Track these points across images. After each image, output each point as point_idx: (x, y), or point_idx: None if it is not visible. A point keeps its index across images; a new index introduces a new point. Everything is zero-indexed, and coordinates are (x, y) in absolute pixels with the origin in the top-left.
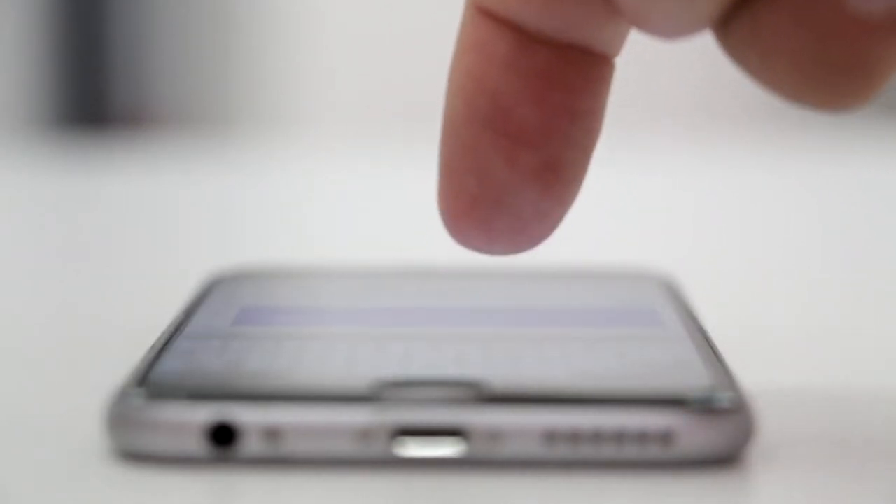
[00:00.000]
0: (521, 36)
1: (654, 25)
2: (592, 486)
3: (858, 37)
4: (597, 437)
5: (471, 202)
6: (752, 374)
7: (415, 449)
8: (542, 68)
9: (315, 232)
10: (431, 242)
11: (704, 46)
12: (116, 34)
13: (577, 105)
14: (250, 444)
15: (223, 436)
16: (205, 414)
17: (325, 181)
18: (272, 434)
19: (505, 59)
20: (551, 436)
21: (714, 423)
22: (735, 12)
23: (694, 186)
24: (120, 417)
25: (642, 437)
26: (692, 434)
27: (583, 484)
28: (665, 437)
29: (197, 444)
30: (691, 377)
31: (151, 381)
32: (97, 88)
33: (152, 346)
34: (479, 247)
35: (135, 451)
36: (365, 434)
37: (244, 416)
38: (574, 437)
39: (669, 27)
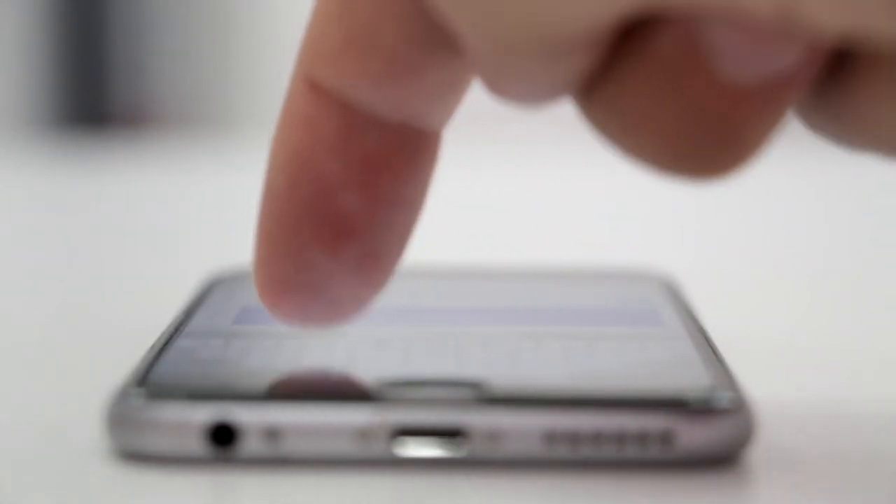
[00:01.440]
0: (350, 116)
1: (507, 90)
2: (592, 486)
3: (731, 106)
4: (597, 437)
5: (288, 285)
6: (752, 374)
7: (415, 449)
8: (370, 153)
9: None
10: (431, 242)
11: None
12: (116, 34)
13: (403, 192)
14: (250, 444)
15: (223, 436)
16: (205, 414)
17: None
18: (272, 434)
19: (332, 141)
20: (551, 436)
21: (714, 423)
22: (597, 80)
23: (694, 186)
24: (120, 417)
25: (642, 437)
26: (692, 434)
27: (583, 484)
28: (665, 437)
29: (197, 444)
30: (691, 377)
31: (151, 381)
32: (97, 88)
33: (152, 346)
34: (293, 323)
35: (135, 451)
36: (365, 434)
37: (244, 416)
38: (574, 437)
39: (524, 92)
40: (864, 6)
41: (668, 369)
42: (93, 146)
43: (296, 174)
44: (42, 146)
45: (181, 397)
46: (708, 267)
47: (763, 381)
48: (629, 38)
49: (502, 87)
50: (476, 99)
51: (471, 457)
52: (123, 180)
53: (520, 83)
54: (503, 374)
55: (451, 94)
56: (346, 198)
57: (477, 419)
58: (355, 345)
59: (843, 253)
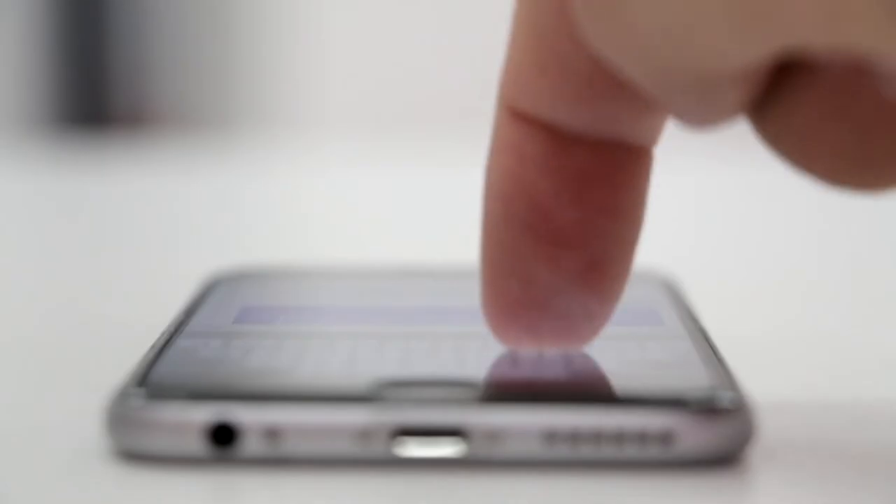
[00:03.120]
0: (556, 135)
1: (683, 117)
2: (592, 486)
3: None
4: (597, 437)
5: (515, 306)
6: (752, 374)
7: (415, 449)
8: (578, 167)
9: (315, 232)
10: (432, 242)
11: None
12: (116, 34)
13: (617, 202)
14: (250, 444)
15: (223, 436)
16: (205, 414)
17: (326, 181)
18: (272, 434)
19: (540, 160)
20: (551, 436)
21: (714, 423)
22: (768, 99)
23: (695, 186)
24: (120, 417)
25: (642, 437)
26: (692, 434)
27: (583, 484)
28: (665, 437)
29: (197, 444)
30: (691, 377)
31: (151, 381)
32: (97, 88)
33: (152, 346)
34: (527, 347)
35: (135, 451)
36: (365, 434)
37: (244, 416)
38: (574, 437)
39: (698, 118)
40: None
41: (668, 369)
42: (93, 146)
43: (510, 196)
44: (42, 146)
45: (181, 397)
46: (708, 267)
47: (763, 381)
48: (796, 62)
49: (675, 112)
50: (476, 99)
51: (471, 457)
52: (123, 180)
53: (689, 111)
54: (503, 374)
55: (648, 113)
56: (561, 212)
57: (477, 419)
58: (355, 345)
59: (843, 253)
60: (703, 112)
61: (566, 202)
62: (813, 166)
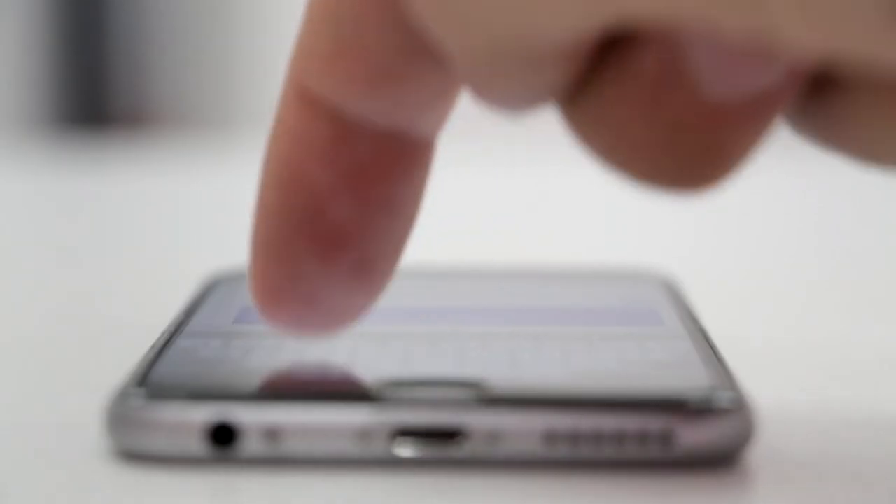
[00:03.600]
0: (341, 125)
1: (493, 99)
2: (592, 486)
3: (712, 123)
4: (597, 437)
5: (283, 294)
6: (752, 374)
7: (415, 449)
8: (361, 161)
9: None
10: (431, 242)
11: None
12: (116, 34)
13: (396, 199)
14: (250, 444)
15: (223, 436)
16: (205, 414)
17: None
18: (272, 434)
19: (322, 150)
20: (551, 436)
21: (714, 423)
22: (580, 90)
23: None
24: (120, 417)
25: (642, 437)
26: (692, 434)
27: (583, 484)
28: (665, 437)
29: (197, 444)
30: (691, 377)
31: (151, 381)
32: (97, 88)
33: (152, 346)
34: (290, 332)
35: (135, 451)
36: (365, 434)
37: (244, 416)
38: (574, 437)
39: (508, 101)
40: (844, 28)
41: (668, 369)
42: (93, 146)
43: (287, 185)
44: (42, 146)
45: (181, 397)
46: (708, 267)
47: (763, 381)
48: (611, 50)
49: (485, 94)
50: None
51: (471, 457)
52: (123, 180)
53: (501, 91)
54: (503, 374)
55: (440, 101)
56: (337, 207)
57: (477, 419)
58: (355, 345)
59: (844, 253)
60: (514, 94)
61: (343, 198)
62: (620, 163)
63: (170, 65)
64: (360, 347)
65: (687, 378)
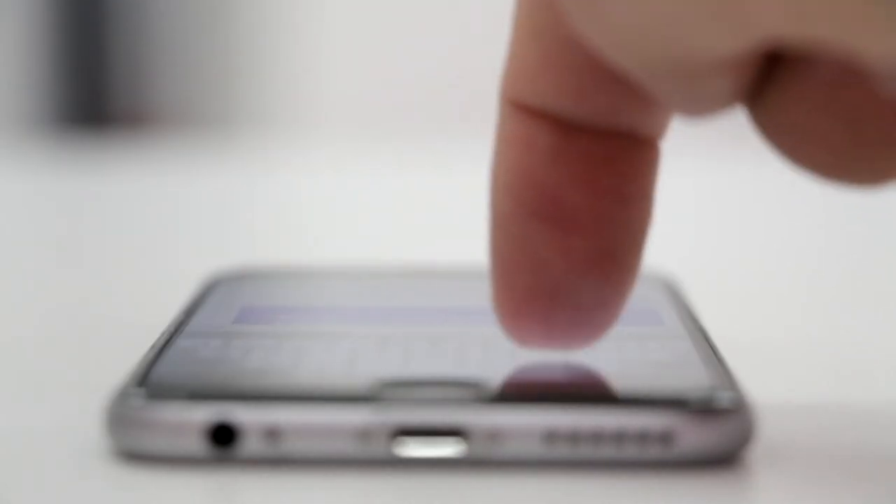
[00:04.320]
0: (562, 125)
1: (675, 107)
2: (592, 486)
3: (891, 119)
4: (597, 437)
5: (527, 297)
6: (752, 374)
7: (415, 449)
8: (587, 154)
9: (315, 232)
10: (431, 242)
11: None
12: (116, 34)
13: (626, 189)
14: (250, 444)
15: (223, 436)
16: (205, 414)
17: (326, 181)
18: (272, 434)
19: (548, 150)
20: (551, 436)
21: (714, 423)
22: (762, 90)
23: (695, 186)
24: (120, 417)
25: (642, 437)
26: (692, 434)
27: (583, 484)
28: (665, 437)
29: (197, 444)
30: (691, 377)
31: (151, 381)
32: (97, 88)
33: (152, 346)
34: (539, 343)
35: (135, 451)
36: (365, 434)
37: (244, 416)
38: (574, 437)
39: (690, 108)
40: None
41: (668, 369)
42: (93, 146)
43: (518, 188)
44: (42, 146)
45: (181, 397)
46: (708, 267)
47: (763, 381)
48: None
49: (666, 102)
50: (475, 99)
51: (471, 457)
52: (123, 180)
53: (680, 100)
54: (503, 374)
55: (646, 107)
56: (570, 200)
57: (477, 419)
58: (355, 345)
59: (844, 253)
60: (692, 102)
61: (575, 188)
62: (804, 160)
63: (170, 65)
64: (360, 347)
65: (687, 378)
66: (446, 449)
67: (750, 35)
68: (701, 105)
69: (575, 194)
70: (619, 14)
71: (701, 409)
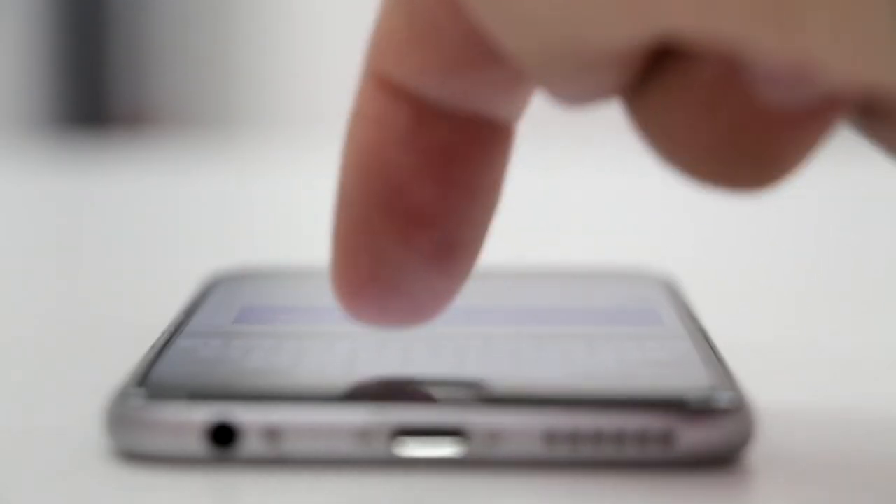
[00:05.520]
0: (421, 109)
1: (556, 94)
2: (592, 486)
3: (769, 127)
4: (597, 437)
5: (364, 281)
6: (752, 374)
7: (415, 449)
8: (440, 144)
9: (315, 232)
10: None
11: None
12: (116, 34)
13: (477, 181)
14: (250, 444)
15: (223, 436)
16: (205, 414)
17: (326, 181)
18: (272, 434)
19: (403, 134)
20: (551, 436)
21: (714, 423)
22: (643, 86)
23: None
24: (120, 417)
25: (642, 437)
26: (692, 434)
27: (583, 484)
28: (665, 437)
29: (197, 444)
30: (691, 377)
31: (151, 381)
32: (97, 88)
33: (152, 346)
34: (372, 323)
35: (135, 451)
36: (365, 434)
37: (244, 416)
38: (574, 437)
39: (570, 96)
40: (876, 62)
41: (668, 369)
42: (93, 146)
43: (367, 169)
44: (42, 146)
45: (181, 397)
46: (708, 267)
47: (763, 381)
48: (671, 52)
49: (546, 89)
50: None
51: (471, 457)
52: (123, 180)
53: (560, 88)
54: (503, 374)
55: (515, 89)
56: (418, 188)
57: (477, 419)
58: (355, 345)
59: (844, 253)
60: (575, 91)
61: (424, 180)
62: (679, 161)
63: (170, 65)
64: (360, 347)
65: (687, 378)
66: (446, 449)
67: (648, 27)
68: (581, 95)
69: (423, 187)
70: None
71: (701, 409)
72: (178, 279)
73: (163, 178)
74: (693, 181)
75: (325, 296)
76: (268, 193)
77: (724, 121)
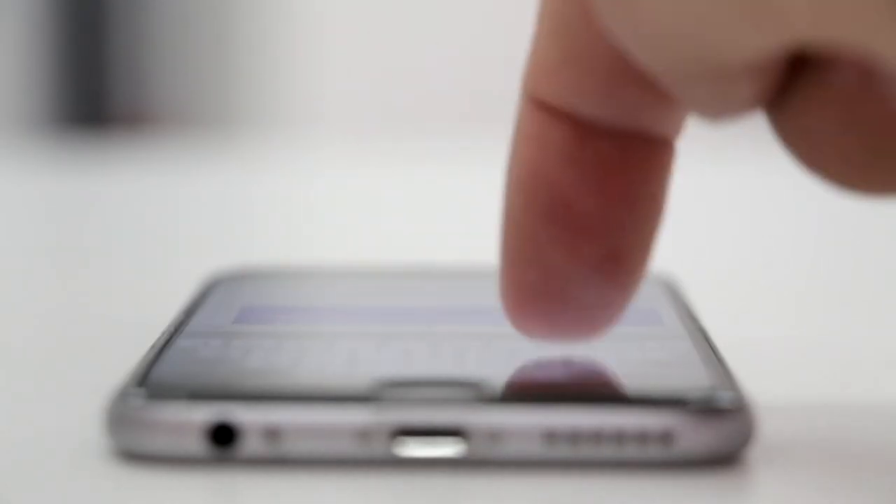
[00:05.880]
0: (578, 126)
1: (698, 109)
2: (592, 486)
3: None
4: (597, 437)
5: (533, 294)
6: (752, 374)
7: (415, 449)
8: (601, 157)
9: (315, 232)
10: (432, 242)
11: None
12: (116, 34)
13: (638, 193)
14: (250, 444)
15: (223, 436)
16: (205, 414)
17: (326, 181)
18: (272, 434)
19: (563, 150)
20: (551, 436)
21: (714, 423)
22: (784, 96)
23: (695, 186)
24: (120, 417)
25: (642, 437)
26: (692, 434)
27: (583, 484)
28: (665, 437)
29: (197, 444)
30: (691, 377)
31: (151, 381)
32: (97, 88)
33: (152, 346)
34: (543, 336)
35: (135, 451)
36: (365, 434)
37: (244, 416)
38: (574, 437)
39: (713, 111)
40: None
41: (668, 369)
42: (93, 146)
43: (531, 185)
44: (42, 146)
45: (181, 397)
46: (708, 267)
47: (763, 381)
48: (810, 61)
49: (689, 103)
50: (475, 99)
51: (471, 457)
52: (123, 180)
53: (703, 101)
54: (503, 374)
55: (670, 105)
56: (580, 200)
57: (477, 419)
58: (355, 345)
59: (844, 253)
60: (717, 104)
61: (587, 191)
62: (821, 168)
63: (170, 65)
64: (360, 347)
65: (687, 378)
66: (446, 449)
67: (777, 36)
68: (724, 108)
69: (587, 198)
70: (650, 12)
71: (701, 409)
72: (178, 279)
73: (163, 179)
74: (838, 189)
75: (325, 296)
76: (268, 193)
77: (864, 126)
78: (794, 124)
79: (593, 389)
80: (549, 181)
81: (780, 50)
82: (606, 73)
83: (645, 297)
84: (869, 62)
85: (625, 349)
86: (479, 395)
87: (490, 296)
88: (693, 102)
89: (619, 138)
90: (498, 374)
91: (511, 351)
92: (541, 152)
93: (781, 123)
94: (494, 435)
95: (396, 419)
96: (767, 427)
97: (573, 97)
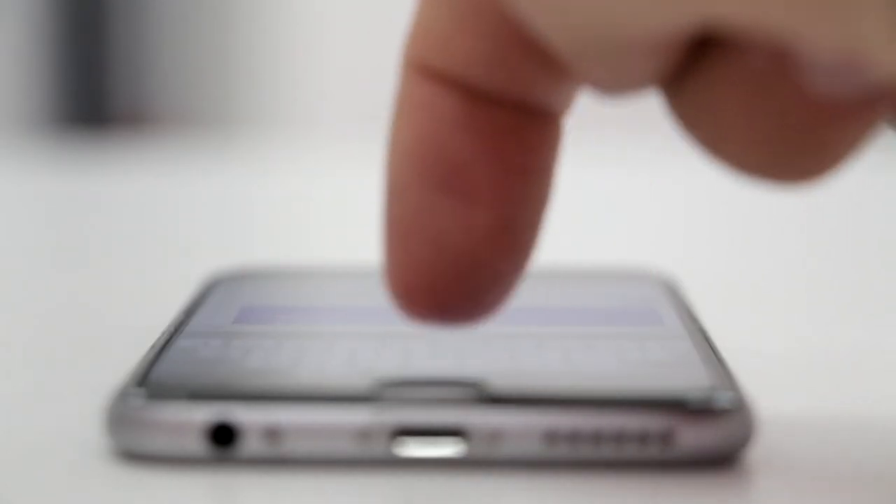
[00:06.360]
0: (470, 94)
1: (595, 84)
2: (592, 486)
3: (818, 120)
4: (597, 437)
5: (424, 271)
6: (752, 374)
7: (415, 449)
8: (494, 126)
9: (315, 232)
10: None
11: None
12: (116, 34)
13: (531, 163)
14: (250, 444)
15: (223, 436)
16: (205, 414)
17: (326, 181)
18: (272, 434)
19: (455, 118)
20: (551, 436)
21: (714, 423)
22: (684, 75)
23: (695, 186)
24: (120, 417)
25: (642, 437)
26: (692, 434)
27: (583, 484)
28: (665, 437)
29: (197, 444)
30: (691, 377)
31: (151, 381)
32: (97, 88)
33: (152, 346)
34: (433, 320)
35: (135, 451)
36: (365, 434)
37: (244, 416)
38: (574, 437)
39: (609, 86)
40: None
41: (668, 369)
42: (93, 146)
43: (422, 156)
44: (42, 146)
45: (181, 397)
46: (708, 267)
47: (763, 382)
48: (715, 41)
49: (587, 78)
50: None
51: (471, 457)
52: (123, 180)
53: (601, 77)
54: (503, 374)
55: (556, 81)
56: (476, 169)
57: (477, 419)
58: (355, 345)
59: (844, 254)
60: (614, 80)
61: (480, 160)
62: (721, 151)
63: (170, 65)
64: (359, 347)
65: (687, 378)
66: (446, 449)
67: (689, 15)
68: (620, 84)
69: (480, 166)
70: None
71: (701, 409)
72: (178, 279)
73: (163, 179)
74: (738, 174)
75: (325, 296)
76: (268, 193)
77: (772, 112)
78: (695, 105)
79: (593, 389)
80: (443, 150)
81: (687, 30)
82: (498, 41)
83: (645, 297)
84: (783, 46)
85: (625, 349)
86: (479, 395)
87: None
88: (588, 76)
89: (508, 109)
90: (498, 374)
91: (511, 351)
92: (433, 122)
93: (680, 102)
94: (494, 435)
95: (396, 419)
96: (767, 427)
97: (464, 65)
